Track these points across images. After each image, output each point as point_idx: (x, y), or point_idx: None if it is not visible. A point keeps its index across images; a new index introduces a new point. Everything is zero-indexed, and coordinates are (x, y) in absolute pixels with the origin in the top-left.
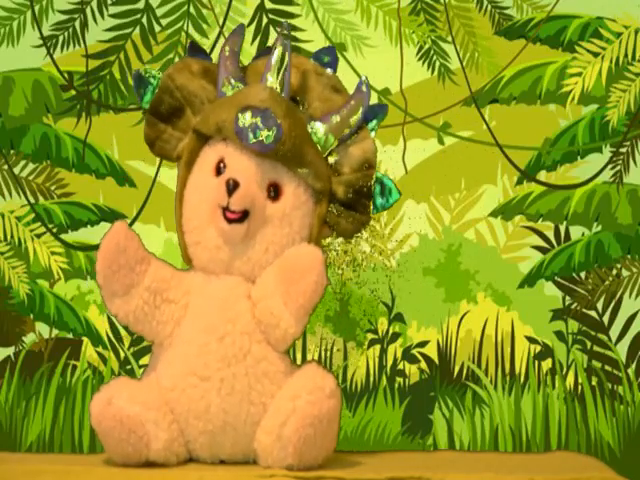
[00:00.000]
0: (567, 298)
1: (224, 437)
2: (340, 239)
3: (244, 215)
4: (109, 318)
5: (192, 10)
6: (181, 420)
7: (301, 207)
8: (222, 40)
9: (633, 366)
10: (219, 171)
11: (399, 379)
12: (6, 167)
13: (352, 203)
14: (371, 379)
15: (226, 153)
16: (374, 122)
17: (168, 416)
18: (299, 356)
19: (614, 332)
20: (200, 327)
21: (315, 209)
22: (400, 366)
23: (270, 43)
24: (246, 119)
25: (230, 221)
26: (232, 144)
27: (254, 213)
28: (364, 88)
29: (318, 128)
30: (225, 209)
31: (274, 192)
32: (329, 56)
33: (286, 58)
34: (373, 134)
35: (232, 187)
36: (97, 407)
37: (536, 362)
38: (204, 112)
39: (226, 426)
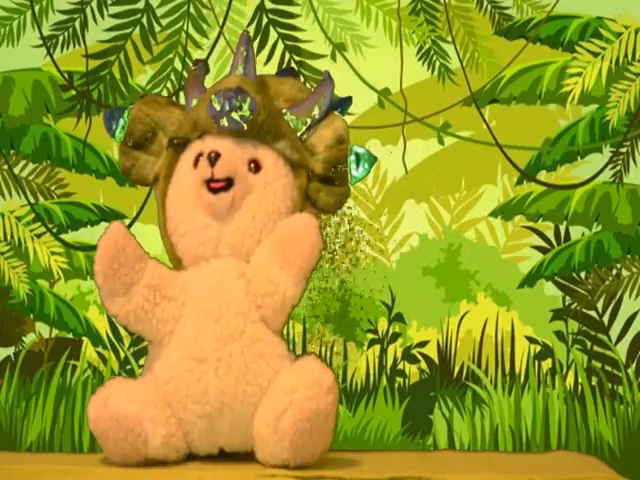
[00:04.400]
0: (567, 298)
1: (222, 420)
2: (340, 239)
3: (228, 183)
4: (109, 318)
5: (192, 10)
6: (179, 409)
7: (282, 178)
8: (222, 40)
9: (633, 366)
10: (198, 163)
11: (399, 379)
12: (6, 167)
13: (330, 177)
14: (371, 379)
15: (203, 146)
16: (339, 109)
17: (165, 411)
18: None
19: (614, 332)
20: (195, 313)
21: (295, 182)
22: (400, 366)
23: (270, 43)
24: (219, 100)
25: (216, 191)
26: (209, 136)
27: (238, 181)
28: (328, 78)
29: (289, 116)
30: (209, 181)
31: (255, 167)
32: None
33: (250, 53)
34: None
35: (214, 158)
36: (94, 409)
37: (536, 362)
38: (178, 124)
39: (224, 407)
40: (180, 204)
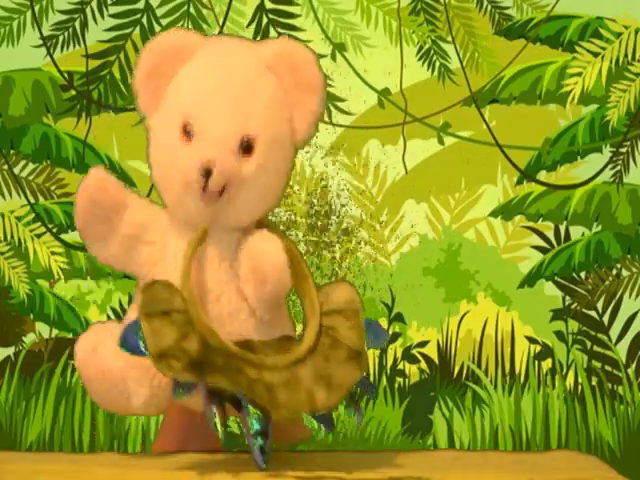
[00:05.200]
0: (567, 298)
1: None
2: (340, 239)
3: (222, 188)
4: (109, 318)
5: (192, 10)
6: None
7: (274, 152)
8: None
9: (633, 366)
10: (187, 133)
11: (399, 379)
12: (6, 167)
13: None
14: (371, 379)
15: (192, 115)
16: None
17: (151, 369)
18: None
19: (614, 332)
20: (194, 290)
21: (289, 147)
22: (400, 366)
23: None
24: None
25: (207, 199)
26: (195, 102)
27: (232, 182)
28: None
29: None
30: (203, 188)
31: (246, 146)
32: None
33: None
34: None
35: (208, 173)
36: (82, 353)
37: (536, 362)
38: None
39: None
40: (170, 179)
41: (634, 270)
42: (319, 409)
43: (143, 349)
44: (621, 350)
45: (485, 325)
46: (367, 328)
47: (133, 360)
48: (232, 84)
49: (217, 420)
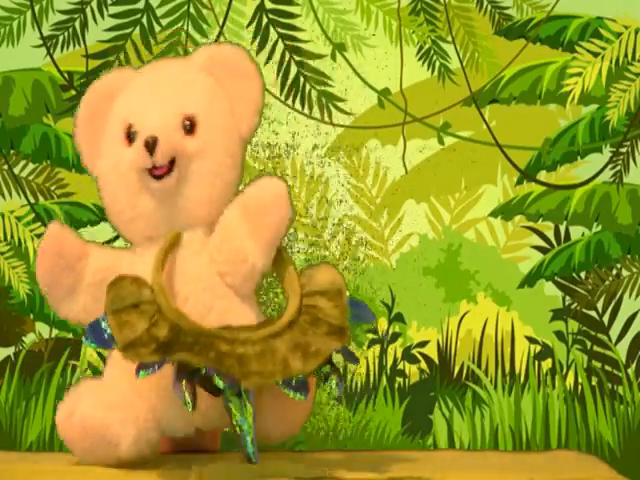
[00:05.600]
0: (567, 298)
1: (200, 402)
2: (340, 239)
3: (171, 164)
4: None
5: (192, 10)
6: (151, 396)
7: (220, 128)
8: (222, 40)
9: (633, 366)
10: (130, 137)
11: (399, 379)
12: (6, 167)
13: None
14: (371, 379)
15: (131, 115)
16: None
17: (134, 409)
18: None
19: (614, 332)
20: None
21: (234, 122)
22: (400, 366)
23: (270, 43)
24: None
25: (160, 177)
26: (128, 99)
27: (179, 157)
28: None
29: None
30: (151, 169)
31: (190, 125)
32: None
33: None
34: None
35: (152, 144)
36: (61, 419)
37: (536, 362)
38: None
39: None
40: (119, 187)
41: (634, 270)
42: (293, 375)
43: (107, 340)
44: (621, 350)
45: (485, 325)
46: (352, 308)
47: (113, 405)
48: (166, 80)
49: (187, 395)
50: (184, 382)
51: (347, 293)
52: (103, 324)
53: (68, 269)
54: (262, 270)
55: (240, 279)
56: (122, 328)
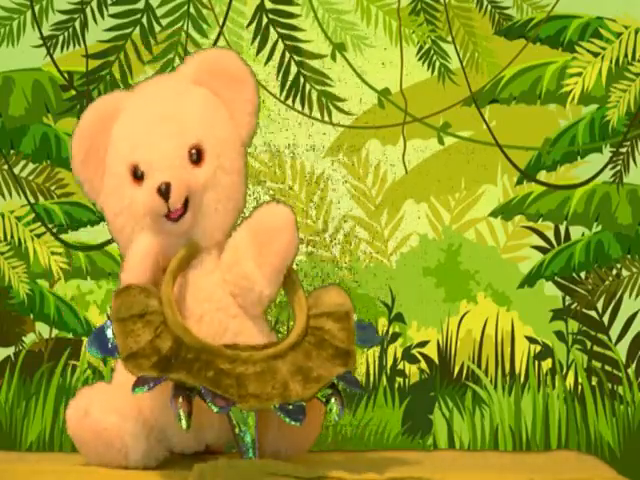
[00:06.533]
0: (567, 298)
1: (209, 417)
2: (340, 239)
3: (185, 203)
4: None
5: (192, 10)
6: (163, 414)
7: (226, 152)
8: (222, 40)
9: (633, 366)
10: (137, 176)
11: (399, 379)
12: (6, 167)
13: None
14: (371, 379)
15: (136, 156)
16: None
17: (147, 423)
18: None
19: (614, 332)
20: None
21: (237, 140)
22: (400, 366)
23: (270, 43)
24: None
25: (176, 219)
26: (135, 140)
27: (193, 194)
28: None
29: None
30: (167, 213)
31: (197, 154)
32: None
33: None
34: None
35: (166, 191)
36: (73, 418)
37: (536, 362)
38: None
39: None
40: (133, 230)
41: (634, 270)
42: (292, 399)
43: (111, 349)
44: (621, 350)
45: (485, 325)
46: (359, 329)
47: (126, 414)
48: (162, 109)
49: (181, 412)
50: (180, 400)
51: (355, 317)
52: (108, 333)
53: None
54: (269, 298)
55: (248, 304)
56: (126, 337)
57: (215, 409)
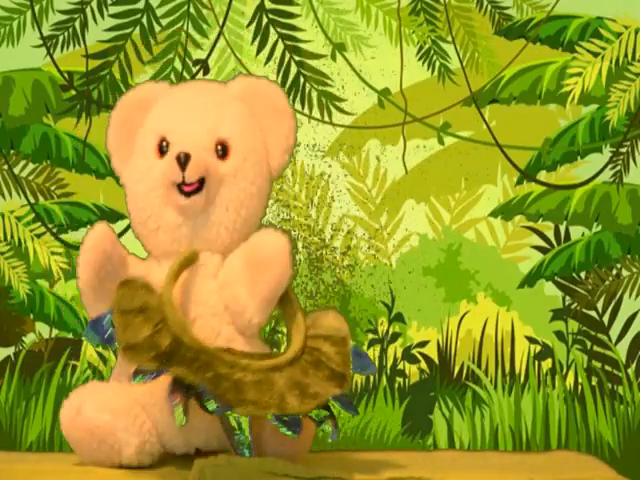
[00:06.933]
0: (567, 298)
1: (198, 420)
2: (340, 239)
3: (201, 184)
4: None
5: (192, 10)
6: (155, 411)
7: (250, 157)
8: (222, 40)
9: (633, 366)
10: (162, 150)
11: (399, 379)
12: (6, 167)
13: None
14: (371, 379)
15: (166, 130)
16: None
17: (139, 418)
18: None
19: (614, 332)
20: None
21: (263, 154)
22: (400, 366)
23: (270, 43)
24: None
25: (188, 194)
26: (166, 115)
27: (210, 178)
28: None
29: None
30: (180, 184)
31: (222, 150)
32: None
33: None
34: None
35: (184, 160)
36: (66, 417)
37: (536, 362)
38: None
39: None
40: (147, 197)
41: (634, 270)
42: (288, 412)
43: (108, 339)
44: (621, 350)
45: (485, 325)
46: (354, 357)
47: (119, 411)
48: (203, 100)
49: (179, 408)
50: (178, 395)
51: (351, 343)
52: (104, 323)
53: (114, 274)
54: (258, 326)
55: (239, 326)
56: (125, 329)
57: (213, 407)
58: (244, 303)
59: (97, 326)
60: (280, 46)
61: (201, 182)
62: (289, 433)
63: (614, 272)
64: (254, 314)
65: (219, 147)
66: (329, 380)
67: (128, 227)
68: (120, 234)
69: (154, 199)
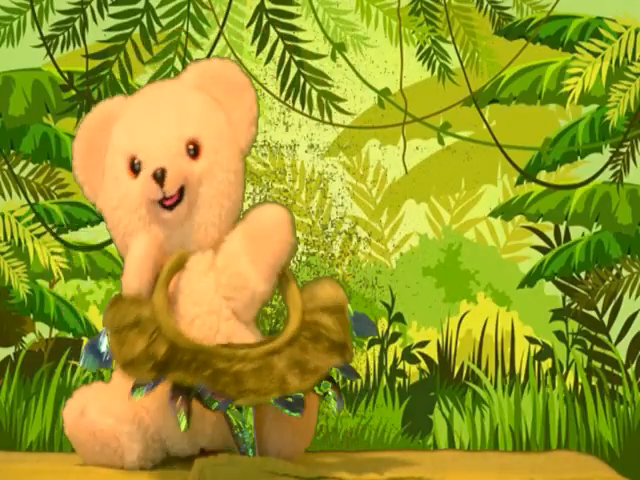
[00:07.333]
0: (567, 298)
1: (203, 422)
2: (340, 239)
3: (181, 192)
4: None
5: (192, 10)
6: (158, 417)
7: (223, 147)
8: (222, 40)
9: (633, 366)
10: (135, 169)
11: (399, 379)
12: (6, 167)
13: None
14: (371, 379)
15: (134, 148)
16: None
17: (143, 424)
18: None
19: (614, 332)
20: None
21: (233, 137)
22: (400, 366)
23: (270, 43)
24: None
25: (171, 207)
26: (134, 132)
27: (188, 184)
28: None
29: None
30: (161, 200)
31: (194, 149)
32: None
33: None
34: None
35: (161, 175)
36: (70, 417)
37: (536, 362)
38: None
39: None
40: (130, 221)
41: (634, 270)
42: (290, 392)
43: (106, 360)
44: (621, 350)
45: (485, 325)
46: (354, 321)
47: (122, 416)
48: (162, 106)
49: (181, 412)
50: (179, 400)
51: (350, 309)
52: (102, 347)
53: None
54: (263, 296)
55: (241, 305)
56: (121, 346)
57: (214, 405)
58: (247, 274)
59: (94, 351)
60: (280, 46)
61: (180, 191)
62: (294, 414)
63: (614, 272)
64: (259, 283)
65: (190, 147)
66: (330, 351)
67: None
68: None
69: (137, 221)
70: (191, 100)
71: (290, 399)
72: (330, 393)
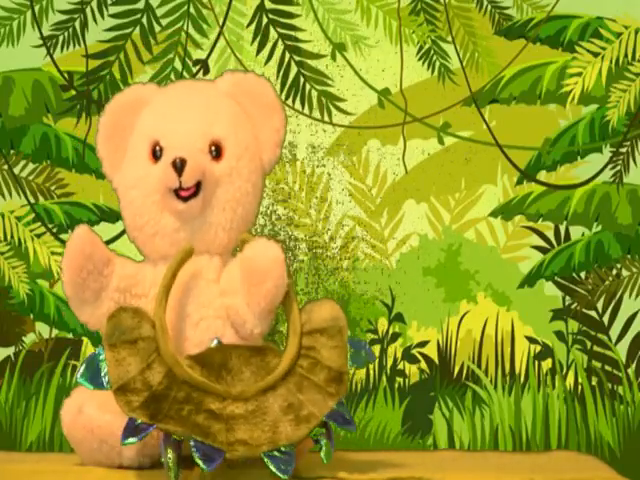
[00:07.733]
0: (567, 298)
1: None
2: (340, 239)
3: (197, 187)
4: None
5: (192, 10)
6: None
7: (244, 155)
8: (222, 40)
9: (633, 366)
10: (156, 155)
11: (399, 379)
12: (6, 167)
13: None
14: (371, 379)
15: (159, 134)
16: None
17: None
18: None
19: (614, 332)
20: (172, 315)
21: (256, 152)
22: (400, 366)
23: (270, 43)
24: None
25: (185, 199)
26: (157, 118)
27: (206, 181)
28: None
29: None
30: (177, 189)
31: (216, 150)
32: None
33: None
34: None
35: (180, 165)
36: (67, 415)
37: (536, 362)
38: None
39: None
40: (143, 204)
41: (634, 270)
42: (281, 443)
43: (104, 382)
44: (621, 350)
45: (485, 325)
46: (352, 348)
47: (120, 412)
48: (193, 101)
49: (170, 459)
50: (170, 451)
51: (348, 332)
52: (102, 365)
53: (96, 273)
54: (259, 335)
55: (242, 335)
56: (117, 366)
57: (204, 467)
58: (244, 316)
59: (91, 367)
60: (280, 46)
61: (197, 185)
62: (279, 474)
63: (614, 272)
64: (255, 325)
65: (213, 148)
66: (326, 385)
67: None
68: (120, 235)
69: (150, 205)
70: (223, 104)
71: (280, 454)
72: (322, 442)
